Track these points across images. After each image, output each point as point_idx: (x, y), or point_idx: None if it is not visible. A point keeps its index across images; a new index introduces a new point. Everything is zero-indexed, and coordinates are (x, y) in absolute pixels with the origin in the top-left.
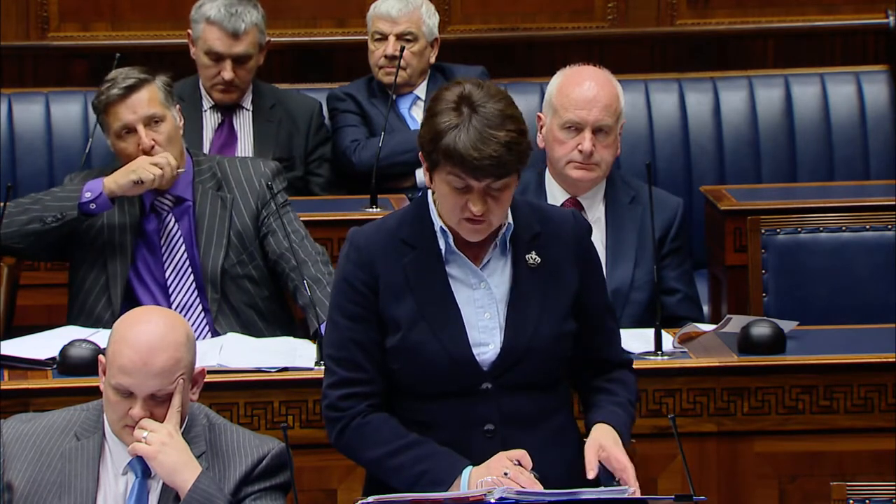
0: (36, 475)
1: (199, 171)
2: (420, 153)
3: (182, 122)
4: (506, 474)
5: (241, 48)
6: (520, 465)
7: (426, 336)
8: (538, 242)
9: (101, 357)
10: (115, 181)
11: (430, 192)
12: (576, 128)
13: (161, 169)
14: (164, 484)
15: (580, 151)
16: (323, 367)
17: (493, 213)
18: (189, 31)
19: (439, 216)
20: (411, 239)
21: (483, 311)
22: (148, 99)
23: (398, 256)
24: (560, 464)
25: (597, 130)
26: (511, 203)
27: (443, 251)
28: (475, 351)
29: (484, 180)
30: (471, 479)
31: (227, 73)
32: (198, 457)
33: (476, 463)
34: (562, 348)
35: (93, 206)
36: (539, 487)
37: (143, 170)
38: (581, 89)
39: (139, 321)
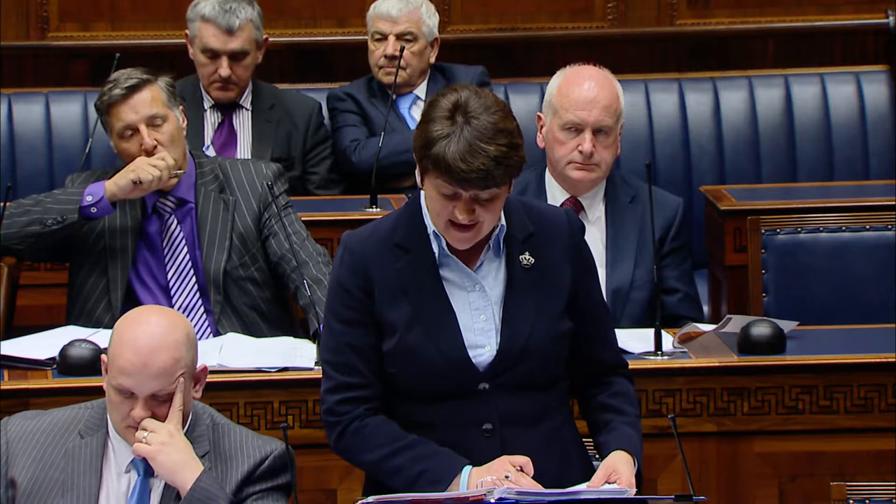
0: (39, 473)
1: (201, 173)
2: (414, 156)
3: (185, 122)
4: (507, 478)
5: (237, 44)
6: (522, 471)
7: (422, 340)
8: (532, 242)
9: (103, 356)
10: (116, 183)
11: (423, 194)
12: (576, 128)
13: (160, 170)
14: (165, 483)
15: (580, 152)
16: (321, 371)
17: (482, 220)
18: (186, 31)
19: (433, 223)
20: (405, 242)
21: (479, 314)
22: (150, 99)
23: (392, 260)
24: (557, 463)
25: (597, 131)
26: (504, 203)
27: (436, 254)
28: (471, 353)
29: (471, 190)
30: (470, 479)
31: (224, 70)
32: (201, 457)
33: (475, 462)
34: (558, 348)
35: (94, 209)
36: (539, 488)
37: (143, 170)
38: (581, 90)
39: (138, 321)
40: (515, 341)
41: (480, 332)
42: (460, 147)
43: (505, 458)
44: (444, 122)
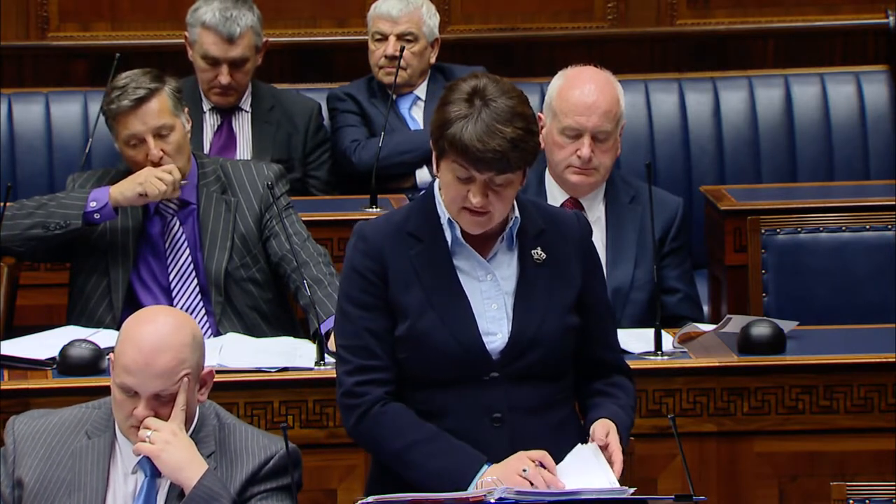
0: (46, 472)
1: (203, 175)
2: (430, 140)
3: (190, 123)
4: (525, 471)
5: (238, 52)
6: (542, 466)
7: (434, 324)
8: (543, 239)
9: (111, 355)
10: (122, 193)
11: (437, 185)
12: (575, 133)
13: (167, 185)
14: (171, 483)
15: (579, 157)
16: (334, 361)
17: (494, 207)
18: (186, 33)
19: (446, 208)
20: (418, 231)
21: (490, 302)
22: (158, 110)
23: (405, 248)
24: (562, 453)
25: (596, 136)
26: (516, 200)
27: (450, 243)
28: (484, 339)
29: (486, 173)
30: (485, 478)
31: (224, 78)
32: (207, 457)
33: (485, 450)
34: (567, 341)
35: (97, 216)
36: (560, 486)
37: (150, 184)
38: (580, 94)
39: (146, 321)
40: (527, 330)
41: (492, 320)
42: (478, 128)
43: (522, 454)
44: (463, 104)
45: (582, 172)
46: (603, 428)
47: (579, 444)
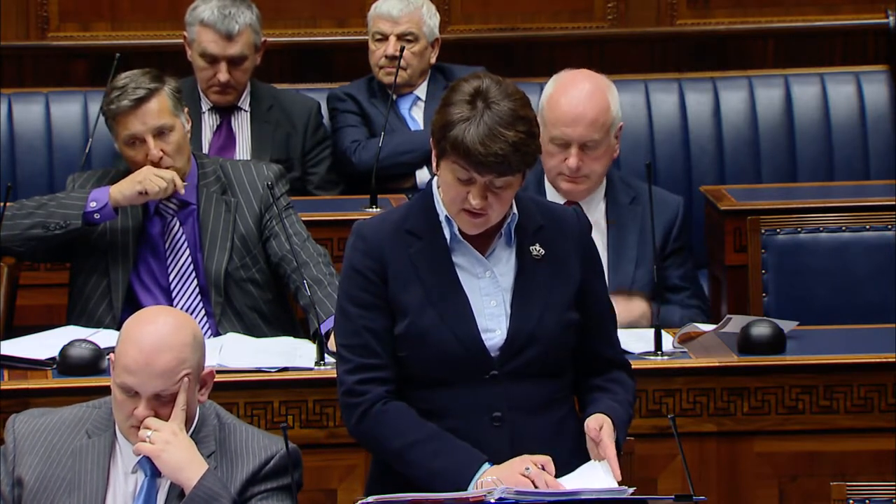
0: (46, 471)
1: (203, 175)
2: (431, 140)
3: (190, 123)
4: (527, 469)
5: (236, 49)
6: (544, 470)
7: (434, 321)
8: (542, 235)
9: (111, 355)
10: (121, 192)
11: (435, 182)
12: (562, 143)
13: (166, 182)
14: (171, 483)
15: (567, 166)
16: (334, 361)
17: (493, 208)
18: (185, 33)
19: (445, 208)
20: (417, 229)
21: (489, 299)
22: (158, 110)
23: (404, 246)
24: (563, 452)
25: (584, 146)
26: (515, 197)
27: (448, 240)
28: (483, 336)
29: (486, 175)
30: (484, 478)
31: (223, 75)
32: (207, 457)
33: (485, 450)
34: (566, 337)
35: (97, 216)
36: (560, 488)
37: (149, 181)
38: (567, 104)
39: (146, 321)
40: (524, 326)
41: (491, 317)
42: (480, 131)
43: (526, 457)
44: (465, 105)
45: (572, 181)
46: (596, 422)
47: (589, 462)
